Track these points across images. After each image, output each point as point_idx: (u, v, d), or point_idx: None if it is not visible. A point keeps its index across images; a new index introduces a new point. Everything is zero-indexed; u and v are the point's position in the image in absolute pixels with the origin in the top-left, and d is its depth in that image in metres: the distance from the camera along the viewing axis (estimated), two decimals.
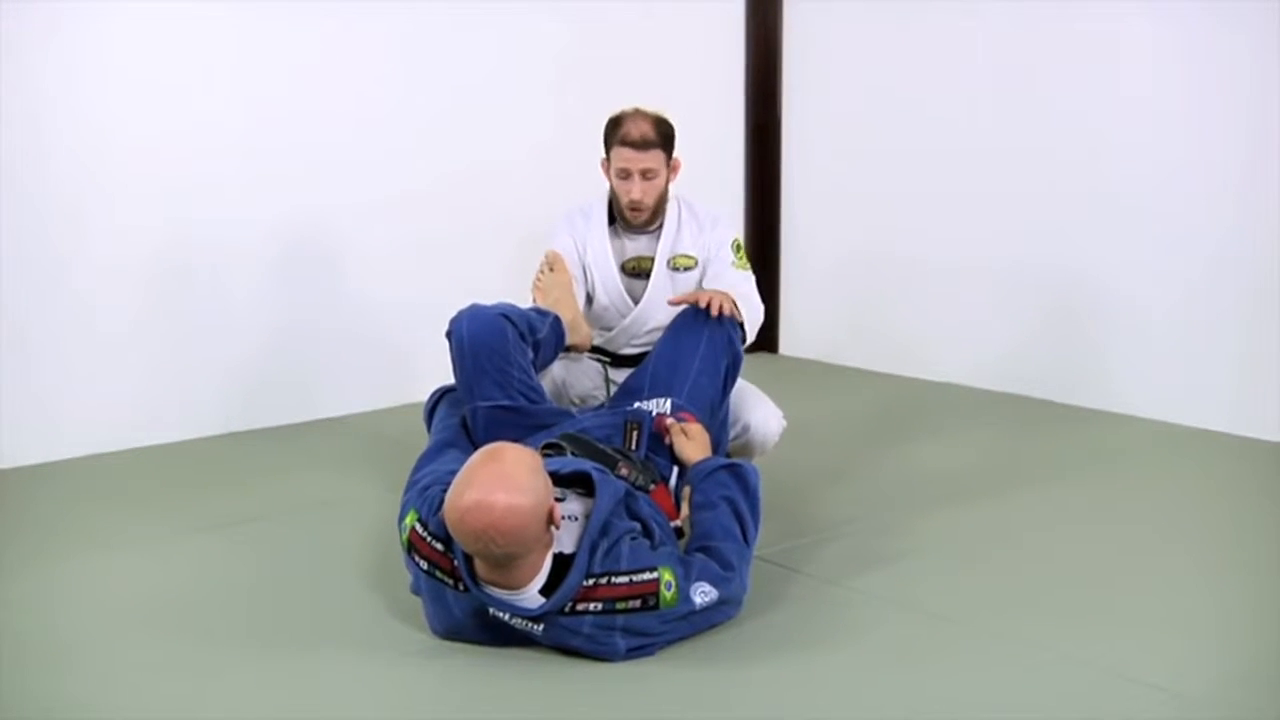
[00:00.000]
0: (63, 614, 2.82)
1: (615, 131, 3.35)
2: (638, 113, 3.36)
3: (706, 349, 3.09)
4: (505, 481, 2.33)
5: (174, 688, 2.46)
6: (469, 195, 4.72)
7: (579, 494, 2.61)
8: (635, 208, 3.38)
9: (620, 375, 3.43)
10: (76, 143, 3.94)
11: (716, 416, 3.12)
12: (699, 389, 3.06)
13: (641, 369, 3.16)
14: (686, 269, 3.46)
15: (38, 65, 3.85)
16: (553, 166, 4.72)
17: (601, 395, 3.48)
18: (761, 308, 3.39)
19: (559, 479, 2.59)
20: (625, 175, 3.35)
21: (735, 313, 3.15)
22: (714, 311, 3.10)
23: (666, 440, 2.94)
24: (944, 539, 3.21)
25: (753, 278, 3.45)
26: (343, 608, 2.81)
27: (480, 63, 4.70)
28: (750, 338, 3.26)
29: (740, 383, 3.28)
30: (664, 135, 3.35)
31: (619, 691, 2.40)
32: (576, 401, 3.51)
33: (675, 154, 3.41)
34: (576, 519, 2.53)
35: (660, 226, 3.46)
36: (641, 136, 3.31)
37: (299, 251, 4.42)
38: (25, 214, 3.87)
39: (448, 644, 2.58)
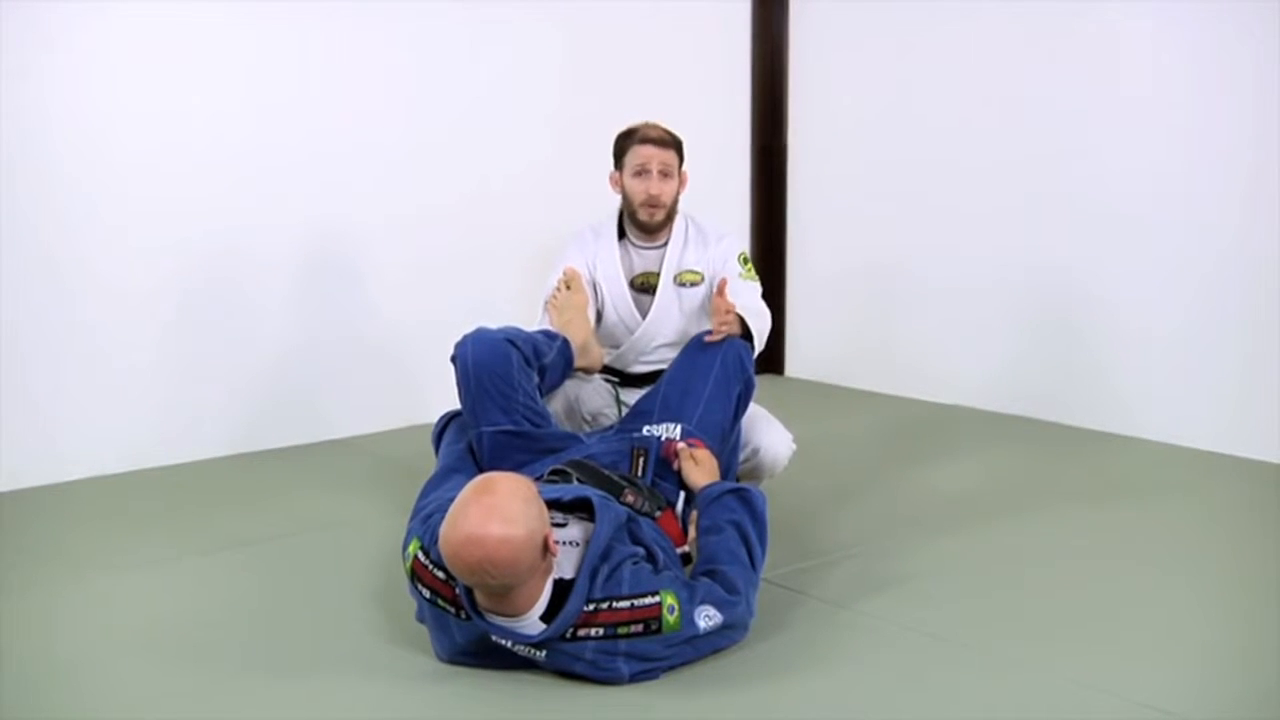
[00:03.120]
0: (66, 636, 2.82)
1: (631, 136, 3.43)
2: (649, 122, 3.45)
3: (719, 375, 3.09)
4: (498, 514, 2.32)
5: (177, 711, 2.46)
6: (477, 214, 4.73)
7: (581, 518, 2.60)
8: (653, 204, 3.40)
9: (631, 396, 3.43)
10: (78, 161, 3.95)
11: (727, 443, 3.12)
12: (709, 415, 3.05)
13: (653, 392, 3.15)
14: (693, 284, 3.48)
15: (39, 82, 3.86)
16: (561, 185, 4.73)
17: (612, 414, 3.48)
18: (769, 314, 3.41)
19: (560, 505, 2.59)
20: (643, 171, 3.39)
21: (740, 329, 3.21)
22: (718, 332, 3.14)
23: (675, 466, 2.94)
24: (951, 562, 3.21)
25: (759, 288, 3.48)
26: (348, 631, 2.80)
27: (488, 83, 4.71)
28: (760, 346, 3.29)
29: (751, 406, 3.27)
30: (677, 141, 3.44)
31: (623, 716, 2.39)
32: (588, 419, 3.50)
33: (684, 167, 3.47)
34: (578, 544, 2.52)
35: (667, 243, 3.49)
36: (660, 135, 3.40)
37: (306, 272, 4.42)
38: (28, 234, 3.88)
39: (453, 668, 2.57)
